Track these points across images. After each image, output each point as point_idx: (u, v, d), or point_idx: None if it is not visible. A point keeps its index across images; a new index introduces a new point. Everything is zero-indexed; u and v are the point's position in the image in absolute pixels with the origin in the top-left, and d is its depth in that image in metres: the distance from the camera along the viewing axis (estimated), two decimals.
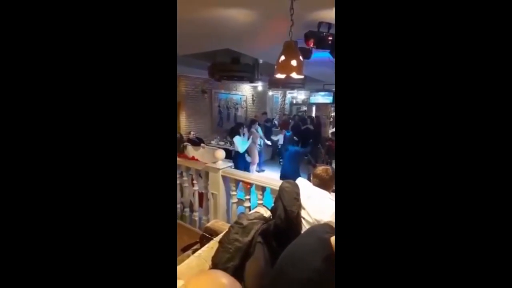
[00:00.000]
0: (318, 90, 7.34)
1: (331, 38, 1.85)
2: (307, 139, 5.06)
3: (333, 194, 1.33)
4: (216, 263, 0.95)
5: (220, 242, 1.00)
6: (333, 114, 7.26)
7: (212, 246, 1.09)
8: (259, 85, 7.14)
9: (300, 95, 8.98)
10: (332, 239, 0.71)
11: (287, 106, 9.15)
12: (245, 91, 7.49)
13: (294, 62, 1.37)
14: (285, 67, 1.39)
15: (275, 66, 1.47)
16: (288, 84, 4.39)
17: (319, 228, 0.85)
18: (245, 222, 1.05)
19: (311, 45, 1.91)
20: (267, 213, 1.46)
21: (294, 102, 9.31)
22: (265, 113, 7.21)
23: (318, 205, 1.20)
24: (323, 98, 7.34)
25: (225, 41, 2.70)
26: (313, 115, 7.70)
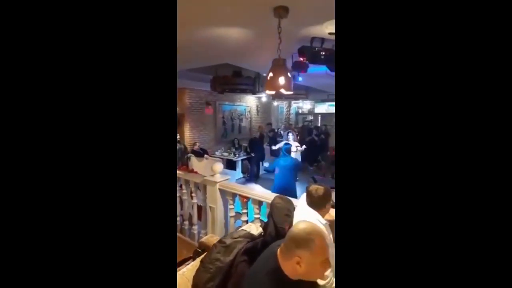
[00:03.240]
0: (323, 100, 7.34)
1: (323, 53, 1.87)
2: (315, 150, 4.97)
3: (330, 215, 1.23)
4: (197, 283, 0.94)
5: (201, 261, 1.00)
6: None
7: (196, 265, 1.09)
8: (263, 96, 7.19)
9: (305, 105, 8.96)
10: (279, 250, 0.75)
11: (292, 116, 9.13)
12: (250, 102, 7.55)
13: (282, 80, 1.39)
14: (274, 84, 1.41)
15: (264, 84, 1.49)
16: (291, 95, 4.42)
17: (278, 241, 0.85)
18: (228, 241, 1.04)
19: (305, 60, 1.94)
20: (258, 230, 1.45)
21: (300, 111, 9.29)
22: (269, 123, 7.23)
23: None
24: (328, 107, 7.35)
25: (224, 57, 2.76)
26: (319, 124, 7.67)
